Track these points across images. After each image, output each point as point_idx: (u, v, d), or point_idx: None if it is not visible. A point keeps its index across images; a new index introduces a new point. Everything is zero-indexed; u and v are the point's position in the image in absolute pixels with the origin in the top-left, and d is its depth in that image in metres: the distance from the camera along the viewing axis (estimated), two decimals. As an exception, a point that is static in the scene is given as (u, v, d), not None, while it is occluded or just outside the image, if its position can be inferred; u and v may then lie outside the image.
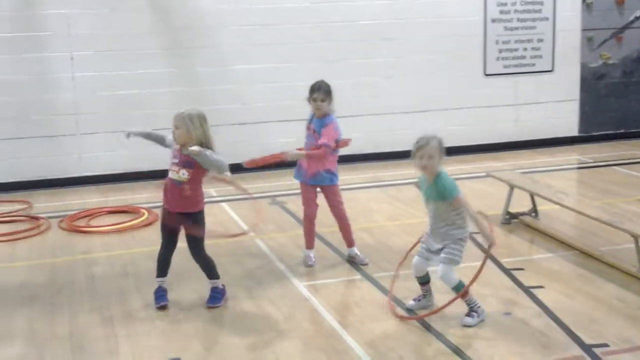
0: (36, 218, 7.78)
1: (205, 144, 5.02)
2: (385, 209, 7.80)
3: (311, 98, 5.90)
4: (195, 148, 4.90)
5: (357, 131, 8.78)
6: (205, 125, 5.07)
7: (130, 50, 9.50)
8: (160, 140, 5.39)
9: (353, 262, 6.07)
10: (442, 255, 4.84)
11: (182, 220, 5.16)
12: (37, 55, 9.21)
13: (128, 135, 5.43)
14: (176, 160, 5.10)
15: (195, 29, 9.67)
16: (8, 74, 9.13)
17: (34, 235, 7.24)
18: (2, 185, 9.20)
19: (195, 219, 5.17)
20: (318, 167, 5.88)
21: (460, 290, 4.80)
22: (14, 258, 6.60)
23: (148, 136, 5.45)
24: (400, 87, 10.42)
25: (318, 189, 6.04)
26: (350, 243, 6.14)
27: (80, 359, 4.53)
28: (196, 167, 5.03)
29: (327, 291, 5.54)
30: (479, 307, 4.89)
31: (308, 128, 6.02)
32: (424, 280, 5.09)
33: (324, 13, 10.05)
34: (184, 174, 5.05)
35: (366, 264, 6.02)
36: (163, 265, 5.34)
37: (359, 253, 6.12)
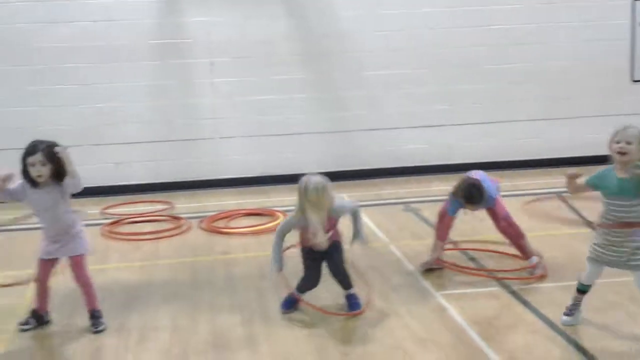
0: (178, 218, 8.06)
1: None
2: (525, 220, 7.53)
3: None
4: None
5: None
6: None
7: (267, 57, 9.72)
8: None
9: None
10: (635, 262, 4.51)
11: (324, 252, 5.22)
12: (180, 61, 9.60)
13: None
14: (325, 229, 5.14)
15: (332, 35, 9.77)
16: (154, 80, 9.56)
17: (176, 234, 7.51)
18: (144, 186, 9.63)
19: (336, 245, 5.22)
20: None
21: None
22: (158, 256, 6.86)
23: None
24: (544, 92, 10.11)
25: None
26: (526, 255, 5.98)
27: (221, 357, 4.62)
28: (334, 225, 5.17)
29: (466, 301, 5.40)
30: None
31: None
32: (587, 289, 4.84)
33: (459, 18, 9.90)
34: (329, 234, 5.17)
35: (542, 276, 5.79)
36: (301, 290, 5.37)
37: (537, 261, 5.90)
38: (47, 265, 5.04)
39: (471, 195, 5.67)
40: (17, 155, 4.81)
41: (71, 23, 9.28)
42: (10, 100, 9.27)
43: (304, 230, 5.14)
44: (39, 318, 5.15)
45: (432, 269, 5.99)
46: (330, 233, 5.13)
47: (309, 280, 5.29)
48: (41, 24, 9.22)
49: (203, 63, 9.66)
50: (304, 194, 5.02)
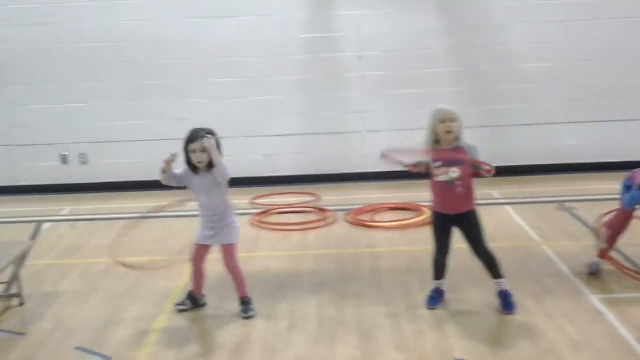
0: (324, 210, 8.15)
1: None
2: None
3: None
4: None
5: None
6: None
7: (416, 50, 9.62)
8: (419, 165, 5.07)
9: None
10: None
11: (457, 221, 5.06)
12: (331, 55, 9.68)
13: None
14: (440, 163, 4.94)
15: (484, 27, 9.53)
16: (305, 74, 9.70)
17: (323, 226, 7.59)
18: (292, 178, 9.80)
19: (471, 218, 5.03)
20: None
21: None
22: (305, 246, 6.96)
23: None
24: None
25: None
26: None
27: (368, 348, 4.61)
28: (464, 165, 4.89)
29: (625, 306, 5.09)
30: None
31: None
32: None
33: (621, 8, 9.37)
34: (454, 172, 4.91)
35: None
36: (439, 269, 5.26)
37: None
38: (201, 250, 5.24)
39: None
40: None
41: (235, 18, 9.58)
42: (174, 93, 9.71)
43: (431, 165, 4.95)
44: (194, 300, 5.37)
45: (597, 272, 5.67)
46: (457, 171, 4.89)
47: (437, 252, 5.16)
48: (206, 19, 9.57)
49: (352, 57, 9.70)
50: (434, 115, 4.95)
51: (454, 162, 4.91)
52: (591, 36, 9.43)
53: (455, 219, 5.05)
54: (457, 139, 4.94)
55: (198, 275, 5.32)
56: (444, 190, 4.98)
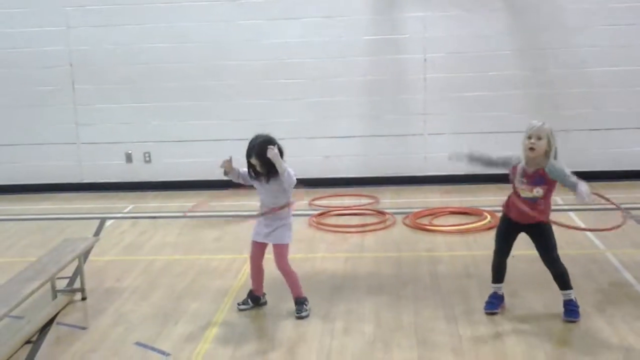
0: (382, 213, 8.10)
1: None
2: None
3: None
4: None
5: None
6: (555, 142, 4.78)
7: (482, 52, 9.49)
8: (495, 163, 4.97)
9: None
10: None
11: (527, 229, 4.95)
12: (394, 57, 9.62)
13: (453, 158, 5.17)
14: (524, 180, 4.80)
15: (553, 30, 9.35)
16: (368, 75, 9.67)
17: (381, 229, 7.54)
18: (351, 180, 9.77)
19: (544, 228, 4.90)
20: None
21: None
22: (363, 249, 6.93)
23: (478, 159, 5.03)
24: None
25: None
26: None
27: (424, 353, 4.56)
28: (548, 183, 4.76)
29: (693, 318, 4.92)
30: None
31: None
32: None
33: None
34: (538, 192, 4.79)
35: None
36: (498, 272, 5.17)
37: None
38: (257, 247, 5.26)
39: None
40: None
41: (299, 20, 9.62)
42: (235, 94, 9.81)
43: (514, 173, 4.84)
44: (255, 299, 5.40)
45: None
46: (542, 190, 4.76)
47: (497, 254, 5.09)
48: (271, 20, 9.62)
49: (417, 58, 9.60)
50: (527, 129, 4.76)
51: (538, 181, 4.79)
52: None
53: (525, 228, 4.95)
54: (545, 157, 4.74)
55: (255, 273, 5.34)
56: (523, 203, 4.84)
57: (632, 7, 9.17)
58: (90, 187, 10.13)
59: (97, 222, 8.29)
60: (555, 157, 4.78)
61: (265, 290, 5.44)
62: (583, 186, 4.55)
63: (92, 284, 5.96)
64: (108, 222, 8.28)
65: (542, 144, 4.72)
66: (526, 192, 4.82)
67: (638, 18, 9.17)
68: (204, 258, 6.72)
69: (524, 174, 4.81)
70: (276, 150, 4.93)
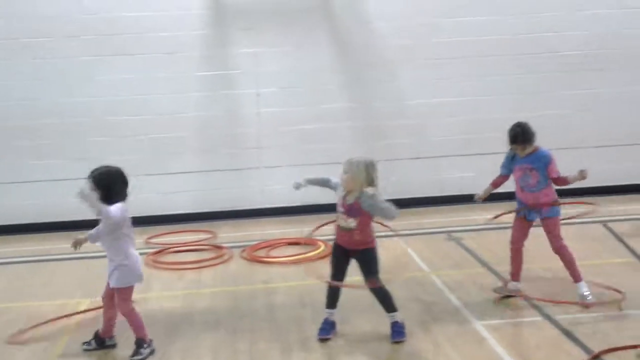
0: (220, 247, 8.15)
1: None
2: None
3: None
4: (369, 190, 4.95)
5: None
6: (374, 173, 5.10)
7: (312, 86, 9.83)
8: (324, 183, 5.42)
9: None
10: None
11: (354, 255, 5.22)
12: (228, 92, 9.76)
13: (297, 187, 5.55)
14: (342, 209, 5.14)
15: (379, 64, 9.82)
16: (202, 110, 9.73)
17: (218, 263, 7.58)
18: (189, 216, 9.75)
19: (366, 255, 5.20)
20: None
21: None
22: (200, 284, 6.94)
23: (313, 182, 5.50)
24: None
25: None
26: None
27: (259, 385, 4.64)
28: (362, 215, 5.07)
29: (506, 331, 5.33)
30: None
31: (520, 169, 5.80)
32: None
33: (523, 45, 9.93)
34: (352, 223, 5.10)
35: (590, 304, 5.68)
36: (332, 297, 5.39)
37: (585, 292, 5.76)
38: (107, 287, 5.17)
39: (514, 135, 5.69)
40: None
41: (122, 57, 9.52)
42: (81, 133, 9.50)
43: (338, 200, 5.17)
44: (100, 341, 5.29)
45: (508, 295, 5.91)
46: (354, 221, 5.06)
47: (331, 279, 5.31)
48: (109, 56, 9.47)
49: (250, 94, 9.78)
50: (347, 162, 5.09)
51: (355, 213, 5.08)
52: (473, 72, 9.89)
53: (352, 253, 5.21)
54: (356, 190, 5.05)
55: (104, 315, 5.25)
56: (343, 233, 5.16)
57: (451, 42, 9.85)
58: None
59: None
60: (374, 185, 5.07)
61: (112, 333, 5.32)
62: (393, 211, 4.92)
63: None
64: None
65: (349, 178, 5.04)
66: (342, 221, 5.13)
67: (458, 52, 9.86)
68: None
69: (343, 204, 5.13)
70: (90, 192, 4.75)
